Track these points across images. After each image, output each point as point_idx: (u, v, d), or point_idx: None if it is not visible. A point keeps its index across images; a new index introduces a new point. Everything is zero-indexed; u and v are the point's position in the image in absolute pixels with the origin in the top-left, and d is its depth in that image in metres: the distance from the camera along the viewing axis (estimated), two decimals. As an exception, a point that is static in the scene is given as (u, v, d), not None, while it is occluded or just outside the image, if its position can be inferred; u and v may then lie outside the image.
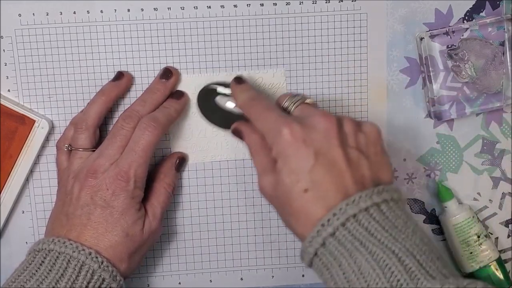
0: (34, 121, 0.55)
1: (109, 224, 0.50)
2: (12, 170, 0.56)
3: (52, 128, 0.57)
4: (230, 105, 0.55)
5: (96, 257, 0.49)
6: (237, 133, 0.53)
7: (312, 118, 0.47)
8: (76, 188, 0.51)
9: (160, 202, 0.54)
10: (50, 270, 0.48)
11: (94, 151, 0.53)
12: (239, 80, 0.55)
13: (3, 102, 0.55)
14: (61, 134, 0.56)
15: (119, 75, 0.56)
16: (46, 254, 0.49)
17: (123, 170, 0.51)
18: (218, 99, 0.56)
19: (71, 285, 0.47)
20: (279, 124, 0.47)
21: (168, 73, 0.56)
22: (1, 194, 0.56)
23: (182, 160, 0.57)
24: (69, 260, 0.48)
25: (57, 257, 0.48)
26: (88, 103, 0.55)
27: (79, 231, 0.50)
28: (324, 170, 0.45)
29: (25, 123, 0.55)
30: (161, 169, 0.56)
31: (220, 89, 0.56)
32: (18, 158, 0.56)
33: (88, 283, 0.48)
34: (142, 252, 0.53)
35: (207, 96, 0.56)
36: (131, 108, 0.54)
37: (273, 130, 0.48)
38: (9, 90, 0.56)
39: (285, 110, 0.51)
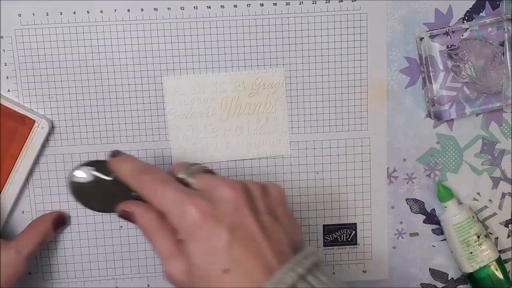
0: (34, 121, 0.55)
1: None
2: (12, 170, 0.56)
3: (52, 128, 0.57)
4: (88, 180, 0.49)
5: None
6: (127, 216, 0.47)
7: (218, 190, 0.44)
8: None
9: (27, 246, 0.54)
10: None
11: None
12: (115, 153, 0.49)
13: (3, 102, 0.55)
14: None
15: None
16: None
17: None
18: (77, 174, 0.50)
19: None
20: (182, 202, 0.43)
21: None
22: (1, 194, 0.56)
23: (61, 220, 0.57)
24: None
25: None
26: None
27: None
28: (242, 245, 0.41)
29: (25, 123, 0.55)
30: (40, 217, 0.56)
31: (77, 173, 0.50)
32: (18, 158, 0.55)
33: None
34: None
35: (73, 185, 0.50)
36: None
37: (176, 209, 0.43)
38: (9, 90, 0.56)
39: (182, 182, 0.46)
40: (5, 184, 0.56)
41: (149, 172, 0.46)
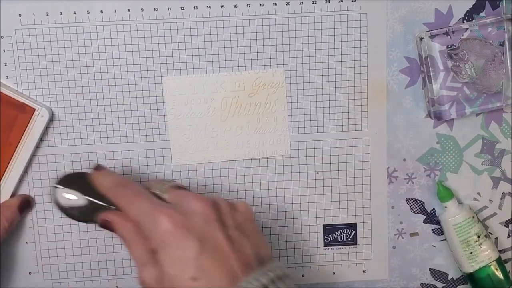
0: (34, 110, 0.55)
1: None
2: (12, 158, 0.56)
3: (52, 116, 0.56)
4: (69, 196, 0.51)
5: None
6: (106, 225, 0.49)
7: (188, 203, 0.46)
8: None
9: None
10: None
11: None
12: (99, 167, 0.52)
13: (3, 90, 0.55)
14: None
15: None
16: None
17: None
18: (58, 194, 0.52)
19: None
20: (155, 213, 0.45)
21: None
22: (1, 182, 0.56)
23: (26, 203, 0.57)
24: None
25: None
26: None
27: None
28: (210, 255, 0.44)
29: (25, 111, 0.55)
30: (5, 202, 0.56)
31: (58, 190, 0.52)
32: (18, 147, 0.56)
33: None
34: None
35: (55, 197, 0.52)
36: None
37: (149, 219, 0.45)
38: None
39: (156, 196, 0.49)
40: (5, 172, 0.56)
41: (126, 185, 0.49)
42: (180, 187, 0.50)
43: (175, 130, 0.58)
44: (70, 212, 0.52)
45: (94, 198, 0.50)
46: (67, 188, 0.52)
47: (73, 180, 0.52)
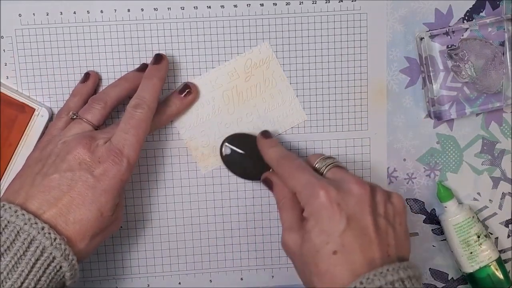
0: (34, 110, 0.55)
1: (88, 198, 0.48)
2: (12, 158, 0.56)
3: (51, 116, 0.56)
4: (234, 149, 0.57)
5: (49, 233, 0.45)
6: (268, 183, 0.55)
7: (347, 184, 0.49)
8: (64, 151, 0.49)
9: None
10: None
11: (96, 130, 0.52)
12: (266, 134, 0.56)
13: (3, 90, 0.55)
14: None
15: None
16: None
17: (117, 147, 0.49)
18: (224, 148, 0.57)
19: (17, 260, 0.45)
20: (314, 186, 0.48)
21: (159, 58, 0.55)
22: (1, 181, 0.56)
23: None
24: (18, 232, 0.45)
25: (6, 226, 0.45)
26: (109, 85, 0.55)
27: (53, 195, 0.47)
28: (355, 235, 0.46)
29: (25, 111, 0.55)
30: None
31: (225, 149, 0.57)
32: (18, 147, 0.56)
33: (37, 260, 0.45)
34: (103, 237, 0.51)
35: (222, 149, 0.57)
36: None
37: (308, 191, 0.48)
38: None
39: (316, 171, 0.52)
40: (5, 172, 0.56)
41: (290, 159, 0.53)
42: (341, 167, 0.52)
43: (192, 141, 0.58)
44: (233, 167, 0.57)
45: (257, 158, 0.55)
46: (230, 149, 0.57)
47: (240, 140, 0.57)
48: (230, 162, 0.57)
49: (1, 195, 0.55)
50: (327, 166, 0.52)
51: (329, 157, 0.53)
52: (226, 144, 0.57)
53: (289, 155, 0.53)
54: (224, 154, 0.57)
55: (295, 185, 0.50)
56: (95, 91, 0.56)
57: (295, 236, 0.49)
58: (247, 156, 0.57)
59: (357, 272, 0.45)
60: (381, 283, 0.44)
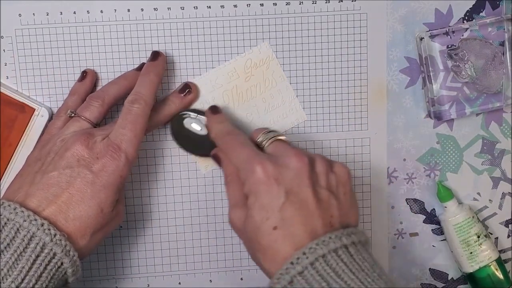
0: (34, 110, 0.55)
1: (87, 195, 0.48)
2: (12, 158, 0.56)
3: (51, 116, 0.56)
4: (195, 127, 0.55)
5: (49, 229, 0.45)
6: (217, 159, 0.53)
7: (285, 157, 0.48)
8: (62, 149, 0.49)
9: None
10: None
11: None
12: (214, 110, 0.55)
13: (3, 90, 0.55)
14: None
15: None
16: None
17: (115, 142, 0.49)
18: (186, 121, 0.56)
19: (17, 257, 0.45)
20: (252, 161, 0.47)
21: (155, 55, 0.55)
22: (1, 182, 0.56)
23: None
24: (18, 229, 0.45)
25: (5, 223, 0.45)
26: (107, 83, 0.55)
27: (52, 192, 0.47)
28: (294, 208, 0.46)
29: (25, 111, 0.55)
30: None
31: (191, 114, 0.56)
32: (18, 146, 0.55)
33: (37, 256, 0.45)
34: (104, 234, 0.51)
35: (179, 123, 0.56)
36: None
37: (246, 166, 0.48)
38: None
39: (259, 145, 0.52)
40: (5, 172, 0.56)
41: (233, 134, 0.52)
42: (283, 141, 0.52)
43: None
44: (185, 144, 0.56)
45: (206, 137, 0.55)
46: (195, 118, 0.56)
47: (194, 117, 0.56)
48: (181, 137, 0.56)
49: (2, 195, 0.55)
50: (268, 140, 0.51)
51: (272, 131, 0.53)
52: (189, 116, 0.56)
53: (233, 131, 0.53)
54: (176, 130, 0.56)
55: (236, 161, 0.50)
56: (93, 89, 0.56)
57: (240, 213, 0.49)
58: (200, 132, 0.56)
59: (299, 244, 0.44)
60: (324, 251, 0.43)
